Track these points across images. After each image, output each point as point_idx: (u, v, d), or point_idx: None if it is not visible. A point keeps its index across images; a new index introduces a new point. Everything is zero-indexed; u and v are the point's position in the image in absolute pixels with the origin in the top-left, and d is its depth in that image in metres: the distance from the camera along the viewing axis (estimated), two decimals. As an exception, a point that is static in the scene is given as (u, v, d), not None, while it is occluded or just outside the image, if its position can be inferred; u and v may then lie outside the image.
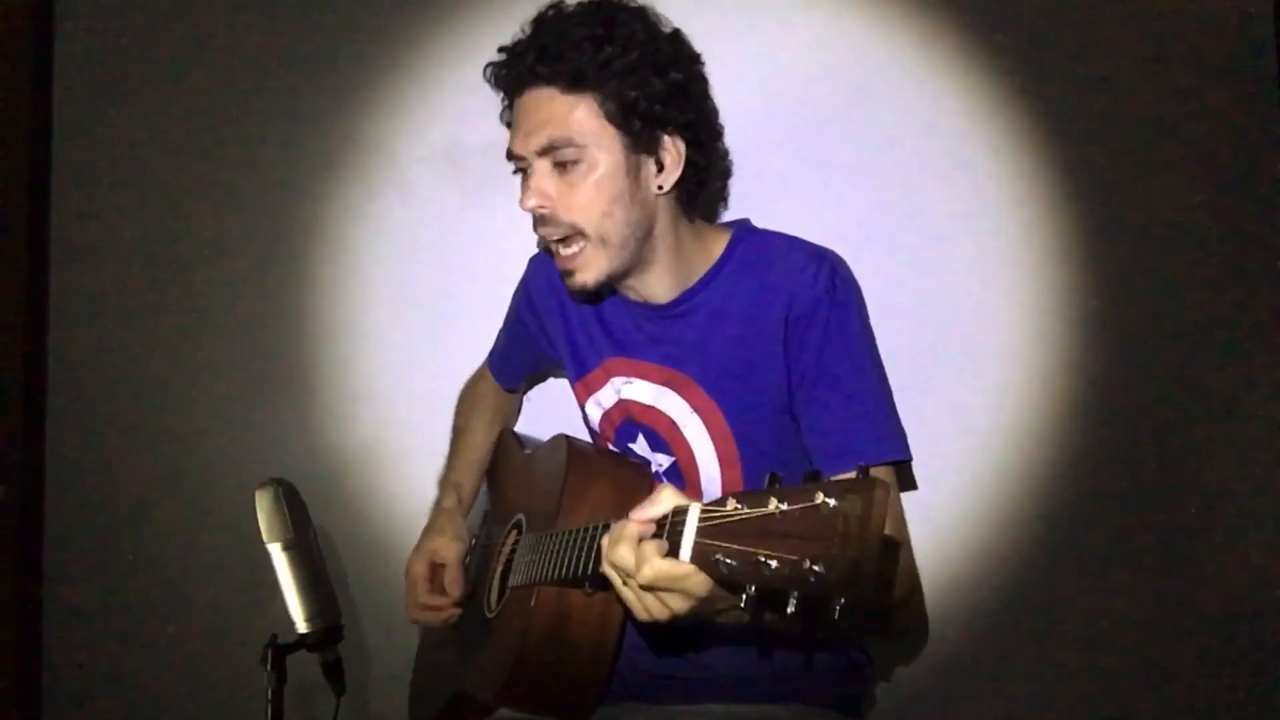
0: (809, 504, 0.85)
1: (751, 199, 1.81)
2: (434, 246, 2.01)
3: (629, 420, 1.54)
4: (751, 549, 0.88)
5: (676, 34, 1.42)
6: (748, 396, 1.43)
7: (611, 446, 1.58)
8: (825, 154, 1.88)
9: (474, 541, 1.72)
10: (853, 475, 1.27)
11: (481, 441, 1.82)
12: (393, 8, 2.03)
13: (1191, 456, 1.82)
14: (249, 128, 2.07)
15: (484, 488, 1.81)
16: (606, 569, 1.08)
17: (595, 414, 1.60)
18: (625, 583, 1.06)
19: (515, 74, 1.39)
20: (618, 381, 1.54)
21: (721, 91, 1.49)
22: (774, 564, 0.86)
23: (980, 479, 1.84)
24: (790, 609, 0.85)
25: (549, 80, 1.35)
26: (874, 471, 1.28)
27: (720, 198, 1.79)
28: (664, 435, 1.50)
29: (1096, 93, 1.85)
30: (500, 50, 1.42)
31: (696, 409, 1.46)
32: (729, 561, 0.91)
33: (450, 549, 1.63)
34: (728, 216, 1.77)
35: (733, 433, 1.44)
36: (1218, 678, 1.80)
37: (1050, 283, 1.85)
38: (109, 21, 2.11)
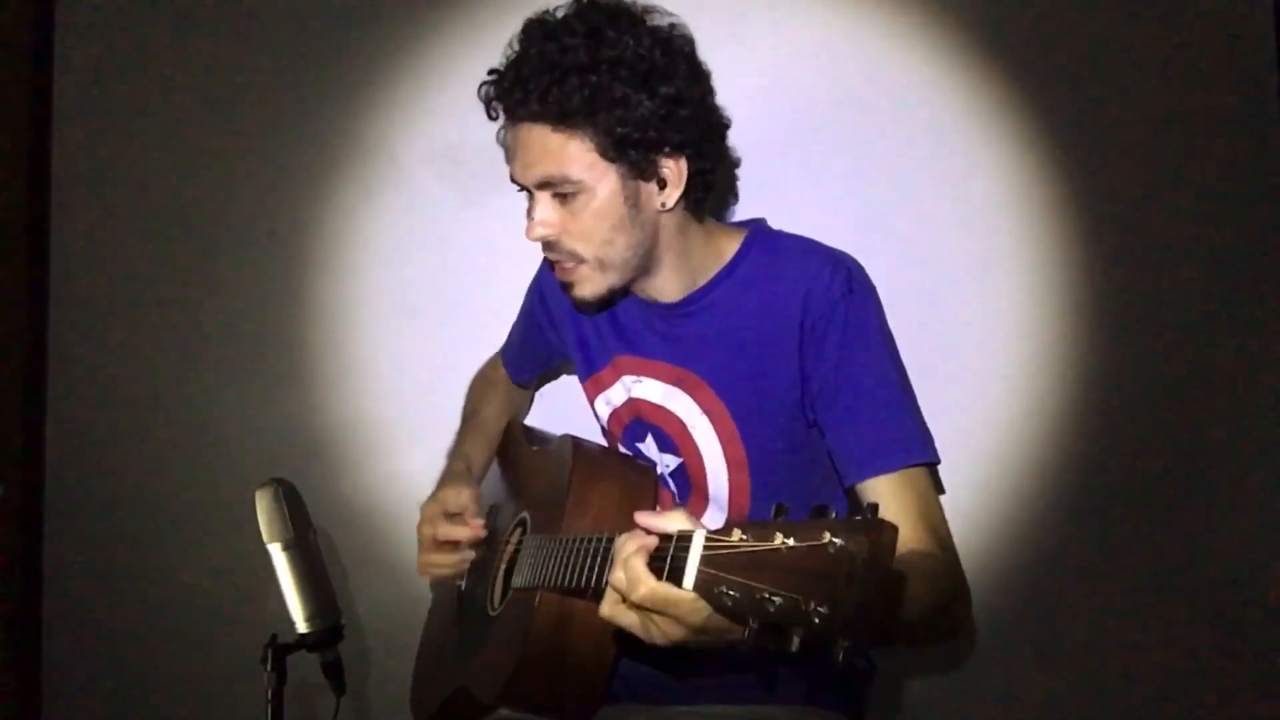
0: (815, 543, 0.84)
1: (751, 200, 1.81)
2: (434, 246, 2.01)
3: (638, 420, 1.54)
4: (755, 584, 0.87)
5: (669, 36, 1.36)
6: (758, 399, 1.42)
7: (620, 446, 1.58)
8: (826, 155, 1.88)
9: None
10: (877, 481, 1.30)
11: (492, 424, 1.81)
12: (392, 8, 2.03)
13: (1195, 455, 1.82)
14: (249, 127, 2.07)
15: (485, 486, 1.81)
16: (609, 593, 1.07)
17: (604, 411, 1.59)
18: (624, 599, 1.05)
19: (506, 105, 1.37)
20: (628, 380, 1.54)
21: (726, 94, 1.48)
22: (778, 600, 0.85)
23: (981, 480, 1.84)
24: (794, 647, 0.84)
25: (538, 118, 1.32)
26: (904, 474, 1.31)
27: (730, 190, 1.78)
28: (673, 436, 1.49)
29: (1097, 93, 1.85)
30: (490, 72, 1.39)
31: (706, 410, 1.46)
32: (732, 594, 0.89)
33: (464, 494, 1.60)
34: (730, 217, 1.77)
35: (741, 435, 1.43)
36: (1224, 678, 1.80)
37: (1052, 283, 1.85)
38: (109, 21, 2.11)
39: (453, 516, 1.59)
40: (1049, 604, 1.84)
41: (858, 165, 1.88)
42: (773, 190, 1.85)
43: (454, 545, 1.58)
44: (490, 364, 1.90)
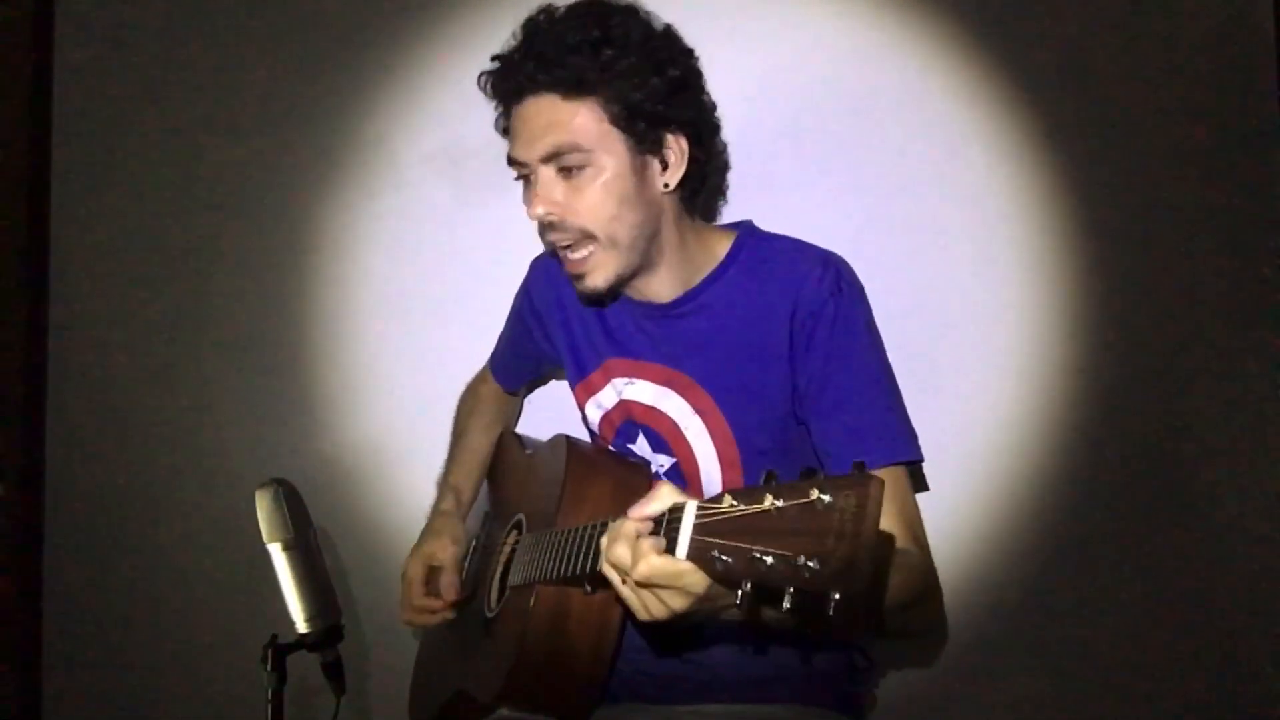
0: (805, 500, 0.86)
1: (750, 201, 1.81)
2: (433, 246, 2.01)
3: (629, 421, 1.54)
4: (747, 545, 0.89)
5: (669, 30, 1.41)
6: (750, 398, 1.43)
7: (611, 448, 1.58)
8: (824, 156, 1.88)
9: (474, 543, 1.72)
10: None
11: (481, 445, 1.82)
12: (393, 7, 2.03)
13: (1190, 458, 1.82)
14: (248, 128, 2.07)
15: (484, 488, 1.81)
16: (605, 568, 1.08)
17: (595, 416, 1.60)
18: (624, 581, 1.06)
19: (513, 82, 1.37)
20: (619, 382, 1.54)
21: (721, 93, 1.49)
22: (769, 560, 0.87)
23: (979, 480, 1.84)
24: (786, 604, 0.86)
25: (549, 87, 1.34)
26: (886, 472, 1.30)
27: (720, 192, 1.79)
28: (665, 436, 1.50)
29: (1096, 94, 1.85)
30: (494, 59, 1.40)
31: (698, 410, 1.46)
32: (725, 558, 0.91)
33: (447, 551, 1.63)
34: (727, 217, 1.77)
35: (734, 434, 1.44)
36: (1219, 680, 1.80)
37: (1050, 284, 1.85)
38: (109, 22, 2.11)
39: (433, 572, 1.62)
40: (1047, 605, 1.84)
41: (855, 165, 1.88)
42: (770, 191, 1.85)
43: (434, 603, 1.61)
44: (479, 378, 1.89)
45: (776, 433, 1.43)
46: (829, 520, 0.84)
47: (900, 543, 1.28)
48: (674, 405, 1.48)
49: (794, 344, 1.37)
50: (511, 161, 1.41)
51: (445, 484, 1.77)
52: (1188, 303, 1.83)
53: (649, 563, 1.00)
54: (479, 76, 1.42)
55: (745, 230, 1.51)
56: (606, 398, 1.57)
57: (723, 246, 1.48)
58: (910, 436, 1.37)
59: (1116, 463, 1.83)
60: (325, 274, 2.06)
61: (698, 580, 0.99)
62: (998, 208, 1.85)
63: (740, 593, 0.90)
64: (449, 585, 1.59)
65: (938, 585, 1.37)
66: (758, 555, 0.87)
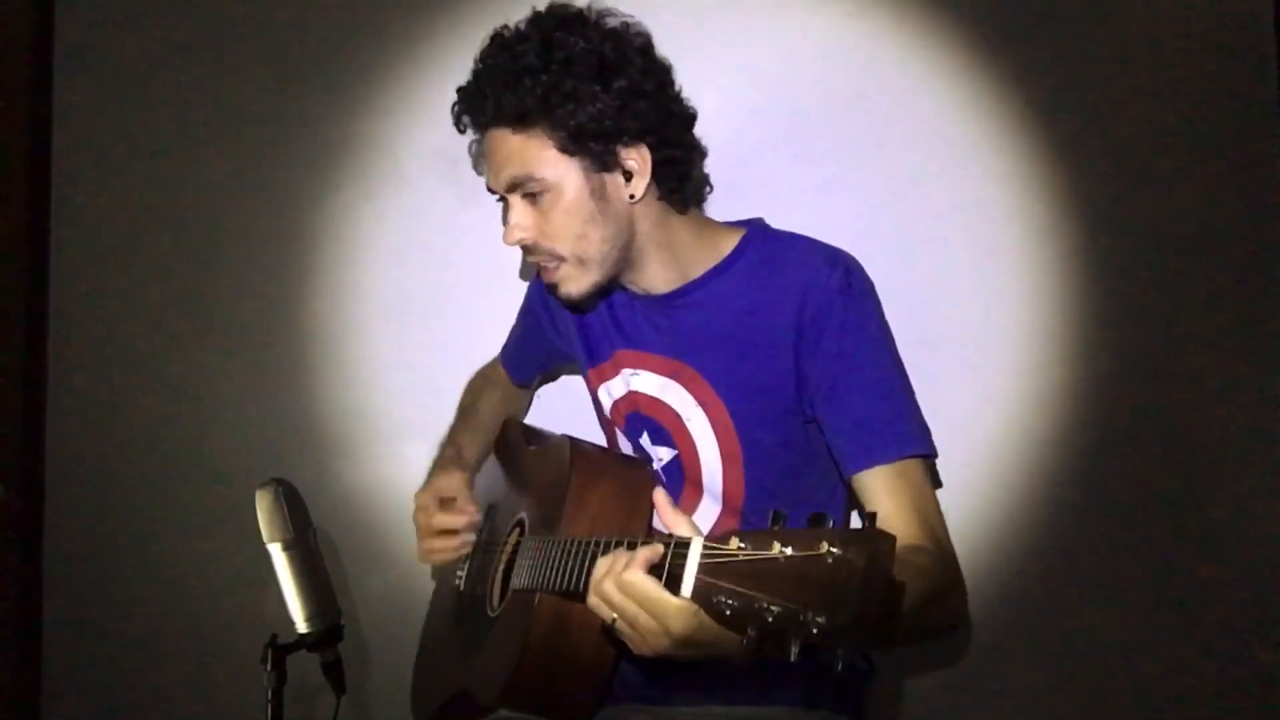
0: (813, 553, 0.84)
1: (750, 199, 1.81)
2: (433, 246, 2.02)
3: (636, 413, 1.55)
4: (753, 593, 0.88)
5: (618, 33, 1.38)
6: (753, 392, 1.43)
7: (623, 437, 1.59)
8: (825, 154, 1.89)
9: (478, 536, 1.72)
10: (874, 473, 1.31)
11: (487, 419, 1.82)
12: (392, 8, 2.03)
13: (1193, 457, 1.82)
14: (248, 127, 2.07)
15: (482, 484, 1.81)
16: (593, 600, 1.09)
17: (607, 402, 1.60)
18: (615, 618, 1.06)
19: (471, 117, 1.43)
20: (626, 373, 1.55)
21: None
22: (776, 609, 0.85)
23: (980, 481, 1.84)
24: (792, 654, 0.85)
25: (498, 122, 1.38)
26: (899, 466, 1.31)
27: (730, 189, 1.78)
28: (667, 428, 1.50)
29: (1097, 94, 1.85)
30: (457, 90, 1.44)
31: (701, 402, 1.46)
32: (730, 602, 0.90)
33: (455, 479, 1.62)
34: (727, 215, 1.77)
35: (736, 427, 1.44)
36: (1220, 681, 1.80)
37: (1051, 284, 1.85)
38: (109, 22, 2.11)
39: (446, 502, 1.61)
40: (1048, 604, 1.84)
41: (857, 164, 1.88)
42: (772, 190, 1.85)
43: (453, 532, 1.59)
44: (490, 364, 1.91)
45: (779, 427, 1.43)
46: (836, 574, 0.82)
47: (918, 540, 1.27)
48: (677, 397, 1.48)
49: (803, 341, 1.37)
50: (488, 188, 1.45)
51: (447, 441, 1.77)
52: (1189, 299, 1.83)
53: (635, 573, 1.01)
54: (452, 107, 1.45)
55: (755, 228, 1.51)
56: (616, 387, 1.58)
57: (729, 242, 1.48)
58: (923, 431, 1.36)
59: (1119, 460, 1.83)
60: (325, 275, 2.06)
61: (680, 618, 1.00)
62: (998, 206, 1.85)
63: (745, 639, 0.89)
64: (465, 500, 1.59)
65: (958, 579, 1.33)
66: (764, 605, 0.86)
